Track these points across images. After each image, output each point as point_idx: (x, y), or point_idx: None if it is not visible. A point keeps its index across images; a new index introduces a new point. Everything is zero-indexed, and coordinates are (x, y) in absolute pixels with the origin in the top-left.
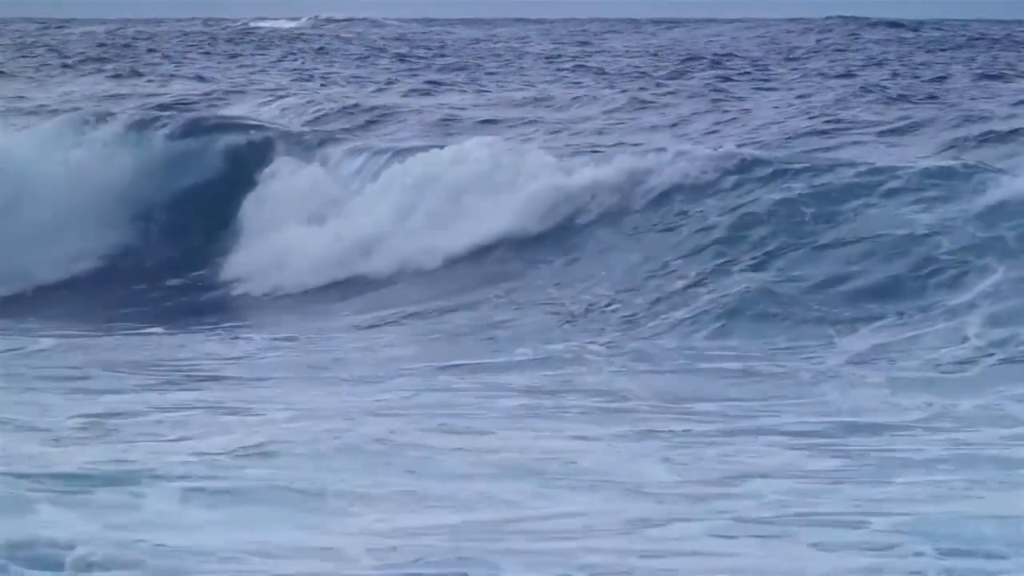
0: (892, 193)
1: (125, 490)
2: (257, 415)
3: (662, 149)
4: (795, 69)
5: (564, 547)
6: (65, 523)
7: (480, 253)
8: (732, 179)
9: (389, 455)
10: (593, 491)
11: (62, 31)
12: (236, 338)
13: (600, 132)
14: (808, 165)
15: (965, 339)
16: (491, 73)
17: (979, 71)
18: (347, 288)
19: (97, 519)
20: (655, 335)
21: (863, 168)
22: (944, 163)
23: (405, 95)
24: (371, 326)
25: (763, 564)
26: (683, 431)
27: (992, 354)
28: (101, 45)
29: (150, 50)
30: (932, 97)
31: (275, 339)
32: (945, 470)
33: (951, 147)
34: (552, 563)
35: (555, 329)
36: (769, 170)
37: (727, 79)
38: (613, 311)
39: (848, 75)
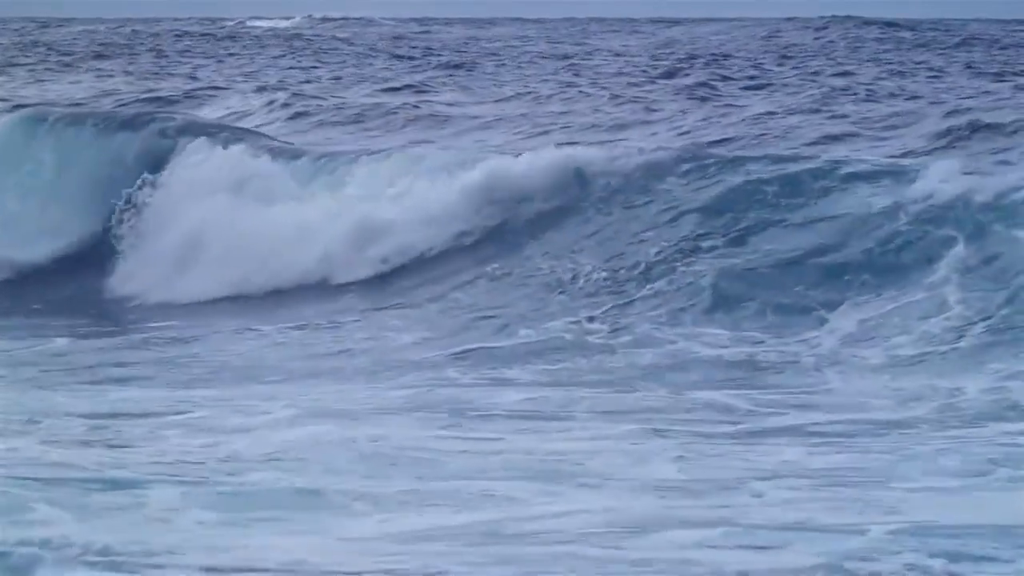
0: (849, 178)
1: (127, 491)
2: (264, 413)
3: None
4: (792, 67)
5: (558, 552)
6: (65, 524)
7: (457, 239)
8: (688, 167)
9: (395, 456)
10: (600, 492)
11: (61, 30)
12: (247, 329)
13: (589, 128)
14: (761, 155)
15: (949, 308)
16: (485, 72)
17: (973, 69)
18: (347, 273)
19: (98, 520)
20: (648, 310)
21: (817, 160)
22: (888, 160)
23: (395, 93)
24: (377, 308)
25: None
26: (690, 431)
27: (976, 322)
28: (100, 44)
29: (148, 50)
30: (922, 95)
31: (284, 327)
32: (949, 471)
33: (945, 135)
34: (543, 569)
35: (552, 303)
36: (726, 160)
37: (722, 78)
38: (602, 281)
39: (844, 74)
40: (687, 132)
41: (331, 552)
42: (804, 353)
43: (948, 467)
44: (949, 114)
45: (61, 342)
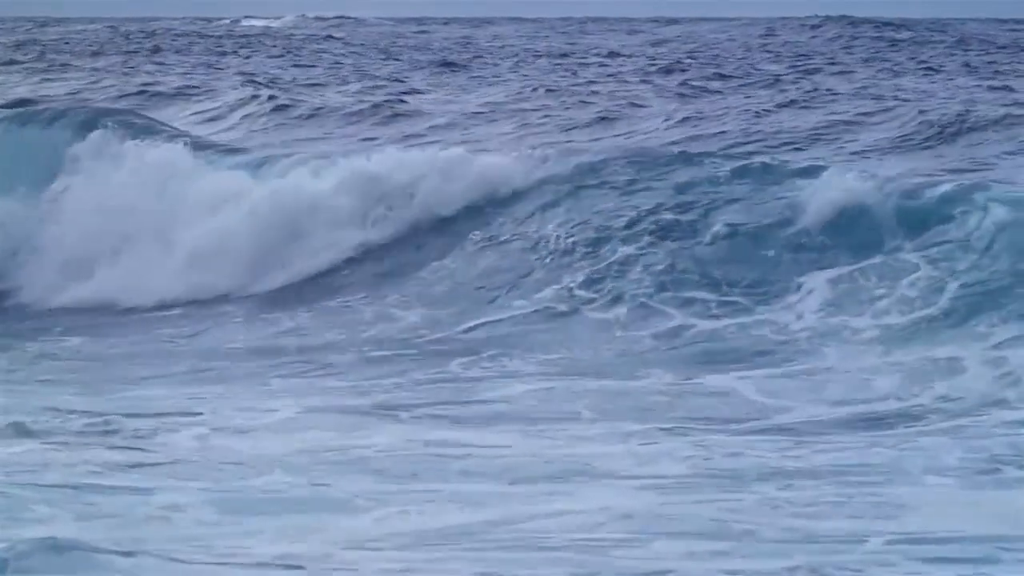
0: (797, 172)
1: (128, 491)
2: (269, 411)
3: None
4: (787, 65)
5: (556, 557)
6: (65, 524)
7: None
8: (640, 159)
9: (397, 456)
10: (602, 494)
11: (58, 29)
12: (256, 319)
13: (570, 126)
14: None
15: (916, 268)
16: (477, 70)
17: (969, 68)
18: (339, 256)
19: (97, 520)
20: (632, 276)
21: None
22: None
23: (384, 89)
24: (376, 287)
25: None
26: (697, 428)
27: (946, 284)
28: (96, 42)
29: (142, 48)
30: (913, 92)
31: (292, 313)
32: (952, 469)
33: (931, 129)
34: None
35: (539, 269)
36: (675, 155)
37: (716, 75)
38: (583, 253)
39: (840, 72)
40: (676, 127)
41: (331, 552)
42: (793, 324)
43: (951, 465)
44: (936, 110)
45: (73, 341)
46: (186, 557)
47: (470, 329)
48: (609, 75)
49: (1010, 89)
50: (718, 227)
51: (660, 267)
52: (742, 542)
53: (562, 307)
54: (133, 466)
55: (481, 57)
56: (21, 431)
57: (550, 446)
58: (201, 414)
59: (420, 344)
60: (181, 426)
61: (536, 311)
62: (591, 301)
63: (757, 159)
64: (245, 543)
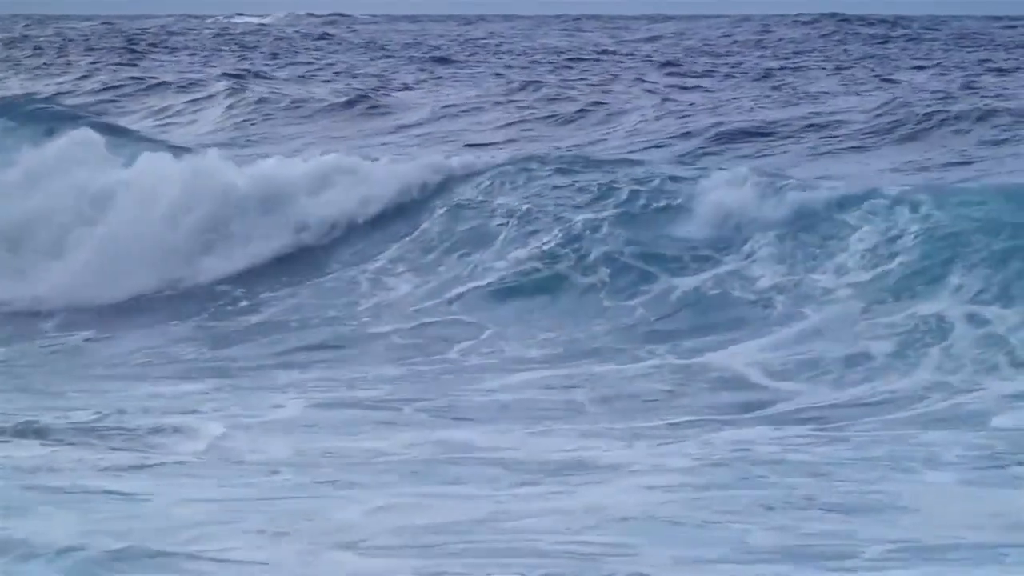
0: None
1: (129, 491)
2: (275, 407)
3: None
4: (782, 63)
5: (547, 562)
6: (65, 525)
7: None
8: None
9: (398, 455)
10: (599, 493)
11: (55, 26)
12: (258, 309)
13: (555, 121)
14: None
15: (859, 226)
16: (465, 66)
17: (958, 65)
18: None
19: (96, 515)
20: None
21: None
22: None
23: (368, 85)
24: (365, 258)
25: None
26: (702, 420)
27: (900, 236)
28: (90, 39)
29: (135, 44)
30: (905, 88)
31: (293, 296)
32: (950, 465)
33: (920, 119)
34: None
35: (511, 231)
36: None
37: (708, 72)
38: (549, 218)
39: (838, 69)
40: (663, 120)
41: (331, 551)
42: (765, 281)
43: (951, 460)
44: (922, 102)
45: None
46: (187, 556)
47: (460, 296)
48: (600, 71)
49: (992, 85)
50: (665, 201)
51: (622, 228)
52: (733, 548)
53: (544, 271)
54: (135, 464)
55: (476, 54)
56: (24, 431)
57: (552, 445)
58: (203, 413)
59: (415, 316)
60: (181, 427)
61: (519, 272)
62: (569, 261)
63: (697, 165)
64: (246, 542)
